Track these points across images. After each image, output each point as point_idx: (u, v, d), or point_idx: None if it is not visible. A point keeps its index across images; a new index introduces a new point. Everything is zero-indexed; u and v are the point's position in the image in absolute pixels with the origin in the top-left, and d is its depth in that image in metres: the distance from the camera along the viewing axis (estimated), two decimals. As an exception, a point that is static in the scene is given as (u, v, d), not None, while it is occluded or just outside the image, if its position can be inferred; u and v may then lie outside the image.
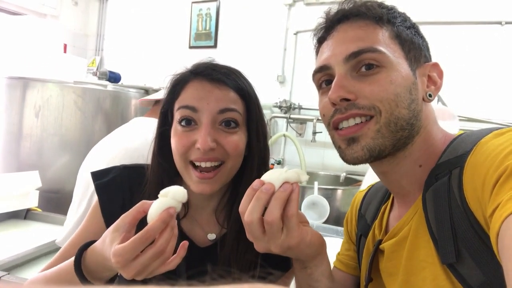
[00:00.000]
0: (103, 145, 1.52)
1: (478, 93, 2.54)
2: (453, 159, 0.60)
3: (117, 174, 0.83)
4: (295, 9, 3.17)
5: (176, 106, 0.76)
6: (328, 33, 0.68)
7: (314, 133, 2.77)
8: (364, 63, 0.62)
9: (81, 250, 0.66)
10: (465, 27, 2.58)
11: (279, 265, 0.77)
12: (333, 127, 0.65)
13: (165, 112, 0.80)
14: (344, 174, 2.65)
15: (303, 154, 2.73)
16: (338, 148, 0.66)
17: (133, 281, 0.78)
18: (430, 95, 0.66)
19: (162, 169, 0.80)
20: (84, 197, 1.40)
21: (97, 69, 3.46)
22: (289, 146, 3.13)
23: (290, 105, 3.09)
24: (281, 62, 3.20)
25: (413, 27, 0.68)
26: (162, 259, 0.58)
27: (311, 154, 2.96)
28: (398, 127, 0.61)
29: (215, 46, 3.43)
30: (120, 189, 0.81)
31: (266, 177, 0.61)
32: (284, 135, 2.85)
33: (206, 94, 0.74)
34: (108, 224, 0.79)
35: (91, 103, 2.26)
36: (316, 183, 2.10)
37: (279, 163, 3.14)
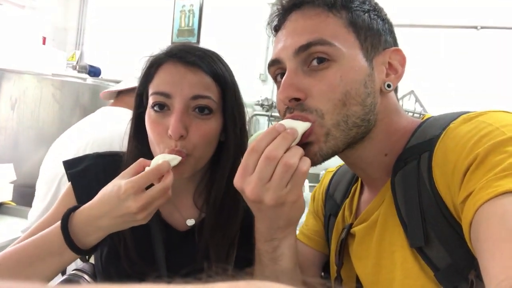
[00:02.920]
0: (70, 136, 1.50)
1: (454, 94, 2.61)
2: (422, 143, 0.59)
3: (91, 162, 0.82)
4: (278, 8, 3.19)
5: (150, 90, 0.75)
6: (281, 22, 0.66)
7: (295, 131, 2.79)
8: (314, 57, 0.60)
9: (69, 212, 0.66)
10: (442, 30, 2.64)
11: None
12: None
13: (140, 95, 0.79)
14: (323, 171, 2.68)
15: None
16: None
17: (130, 281, 0.77)
18: (388, 86, 0.62)
19: (138, 152, 0.79)
20: (51, 187, 1.39)
21: (76, 63, 3.41)
22: (270, 144, 3.15)
23: (272, 103, 3.11)
24: (263, 60, 3.22)
25: (374, 9, 0.64)
26: (166, 197, 0.65)
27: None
28: (350, 124, 0.59)
29: (197, 42, 3.42)
30: (96, 176, 0.79)
31: (286, 123, 0.58)
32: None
33: (180, 79, 0.72)
34: None
35: (69, 97, 2.22)
36: (306, 180, 2.11)
37: (260, 161, 3.16)
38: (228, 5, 3.36)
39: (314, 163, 0.62)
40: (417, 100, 2.51)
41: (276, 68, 0.66)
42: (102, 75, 2.91)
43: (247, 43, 3.22)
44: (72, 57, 3.98)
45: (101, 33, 3.92)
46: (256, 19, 3.28)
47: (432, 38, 2.65)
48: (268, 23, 0.69)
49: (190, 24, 3.48)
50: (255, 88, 3.19)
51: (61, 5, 4.00)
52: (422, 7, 2.64)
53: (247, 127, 0.84)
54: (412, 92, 2.47)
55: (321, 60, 0.60)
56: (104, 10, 3.94)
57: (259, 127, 3.21)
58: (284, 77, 0.61)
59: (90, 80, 2.36)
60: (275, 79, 0.69)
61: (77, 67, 2.83)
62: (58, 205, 0.81)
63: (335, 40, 0.59)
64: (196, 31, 3.45)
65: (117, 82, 2.52)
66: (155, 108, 0.73)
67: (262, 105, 3.12)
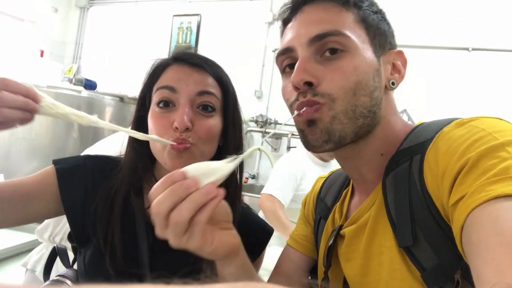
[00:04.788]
0: (97, 148, 1.52)
1: (446, 114, 2.64)
2: (414, 146, 0.60)
3: (81, 162, 0.82)
4: (274, 27, 3.24)
5: (155, 88, 0.76)
6: (292, 15, 0.66)
7: (289, 148, 2.80)
8: (328, 47, 0.60)
9: None
10: (434, 51, 2.69)
11: (249, 253, 0.77)
12: (296, 110, 0.63)
13: (143, 97, 0.80)
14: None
15: (277, 169, 2.76)
16: (301, 132, 0.64)
17: (129, 281, 0.76)
18: (393, 83, 0.64)
19: (137, 155, 0.79)
20: None
21: (73, 77, 3.43)
22: (264, 160, 3.15)
23: (266, 120, 3.13)
24: (259, 77, 3.25)
25: (380, 12, 0.66)
26: None
27: (286, 169, 2.99)
28: (357, 114, 0.60)
29: (194, 59, 3.45)
30: (83, 176, 0.79)
31: (192, 170, 0.53)
32: (259, 149, 2.87)
33: (185, 76, 0.74)
34: (68, 211, 0.77)
35: (64, 109, 2.22)
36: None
37: (253, 177, 3.15)
38: (225, 22, 3.42)
39: (321, 143, 0.61)
40: (409, 118, 2.53)
41: (286, 57, 0.66)
42: (98, 89, 2.92)
43: (243, 60, 3.26)
44: (70, 70, 4.00)
45: (99, 47, 3.96)
46: (253, 37, 3.34)
47: (425, 58, 2.70)
48: (279, 15, 0.69)
49: (188, 41, 3.52)
50: (250, 105, 3.22)
51: (60, 19, 4.05)
52: (415, 28, 2.69)
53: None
54: (405, 111, 2.49)
55: (334, 51, 0.60)
56: (102, 26, 3.99)
57: (253, 143, 3.21)
58: (298, 63, 0.61)
59: (85, 92, 2.37)
60: (283, 70, 0.68)
61: (73, 80, 2.85)
62: (35, 176, 0.78)
63: (349, 32, 0.61)
64: (193, 48, 3.49)
65: (113, 96, 2.54)
66: (160, 105, 0.74)
67: (256, 122, 3.14)
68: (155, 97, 0.75)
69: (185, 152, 0.71)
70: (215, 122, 0.76)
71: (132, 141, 0.81)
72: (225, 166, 0.54)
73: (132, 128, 0.81)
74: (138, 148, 0.79)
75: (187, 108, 0.72)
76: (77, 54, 4.09)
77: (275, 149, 3.11)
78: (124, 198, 0.78)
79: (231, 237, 0.60)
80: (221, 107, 0.78)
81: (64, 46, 4.09)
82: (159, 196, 0.52)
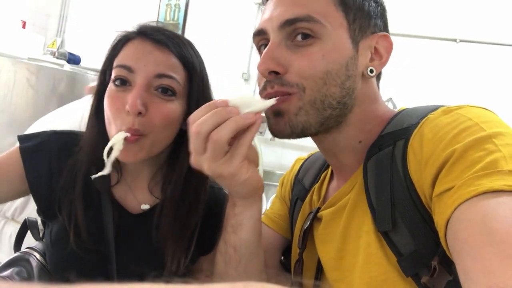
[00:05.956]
0: (55, 117, 1.46)
1: (432, 103, 2.66)
2: (398, 131, 0.59)
3: (45, 139, 0.79)
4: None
5: (114, 64, 0.72)
6: None
7: (274, 132, 2.79)
8: (299, 32, 0.59)
9: None
10: (422, 41, 2.70)
11: (214, 239, 0.77)
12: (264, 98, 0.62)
13: (104, 70, 0.76)
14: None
15: (261, 152, 2.75)
16: (267, 119, 0.64)
17: (127, 279, 0.76)
18: (371, 71, 0.62)
19: (97, 132, 0.76)
20: None
21: (57, 50, 3.32)
22: (249, 143, 3.14)
23: (253, 103, 3.11)
24: (247, 59, 3.21)
25: None
26: None
27: (270, 153, 2.99)
28: (325, 105, 0.59)
29: (182, 38, 3.39)
30: (47, 154, 0.77)
31: (234, 100, 0.56)
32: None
33: (145, 54, 0.70)
34: (32, 189, 0.76)
35: (45, 82, 2.16)
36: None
37: (238, 160, 3.15)
38: (214, 2, 3.35)
39: (284, 135, 0.62)
40: (395, 107, 2.55)
41: (261, 38, 0.65)
42: (82, 64, 2.85)
43: (231, 41, 3.21)
44: (53, 44, 3.88)
45: (84, 22, 3.84)
46: (242, 18, 3.28)
47: (412, 48, 2.70)
48: None
49: (175, 19, 3.44)
50: (237, 87, 3.19)
51: (44, -10, 3.90)
52: (402, 16, 2.68)
53: None
54: (390, 99, 2.51)
55: (305, 36, 0.59)
56: (88, -1, 3.87)
57: (239, 126, 3.20)
58: (266, 49, 0.60)
59: (67, 67, 2.31)
60: (258, 49, 0.68)
61: (56, 53, 2.77)
62: (4, 159, 0.77)
63: (323, 18, 0.59)
64: (180, 26, 3.41)
65: (96, 71, 2.47)
66: (116, 82, 0.70)
67: (243, 104, 3.12)
68: (112, 74, 0.71)
69: (135, 145, 0.68)
70: (174, 107, 0.71)
71: (93, 116, 0.77)
72: (262, 102, 0.57)
73: (92, 103, 0.78)
74: (99, 125, 0.76)
75: (142, 90, 0.68)
76: (61, 27, 3.96)
77: (261, 132, 3.10)
78: (85, 177, 0.75)
79: (259, 177, 0.62)
80: (184, 91, 0.73)
81: (48, 18, 3.96)
82: (201, 118, 0.54)
